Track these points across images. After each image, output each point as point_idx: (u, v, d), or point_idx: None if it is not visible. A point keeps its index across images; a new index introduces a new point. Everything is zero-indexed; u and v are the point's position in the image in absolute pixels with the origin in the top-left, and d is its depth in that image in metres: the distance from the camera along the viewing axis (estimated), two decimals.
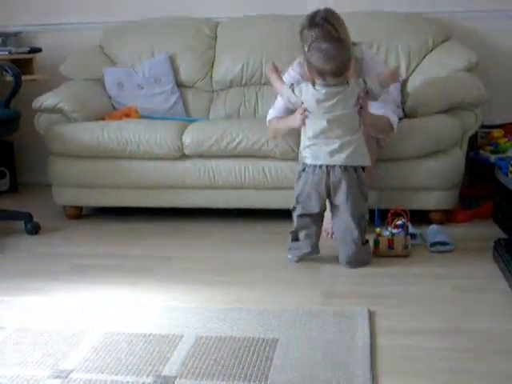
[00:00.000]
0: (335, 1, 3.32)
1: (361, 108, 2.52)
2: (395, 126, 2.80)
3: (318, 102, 2.48)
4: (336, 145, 2.49)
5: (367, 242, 2.60)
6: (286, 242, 2.66)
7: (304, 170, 2.57)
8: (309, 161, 2.55)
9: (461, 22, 3.61)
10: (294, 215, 2.61)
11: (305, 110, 2.53)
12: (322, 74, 2.46)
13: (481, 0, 3.60)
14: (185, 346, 1.90)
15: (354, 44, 2.82)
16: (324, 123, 2.49)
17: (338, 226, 2.59)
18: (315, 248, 2.60)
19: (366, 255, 2.58)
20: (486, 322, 2.02)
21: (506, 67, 3.63)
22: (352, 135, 2.51)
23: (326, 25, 2.68)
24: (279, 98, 2.80)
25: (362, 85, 2.51)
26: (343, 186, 2.49)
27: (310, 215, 2.57)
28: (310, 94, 2.51)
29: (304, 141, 2.60)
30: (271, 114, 2.92)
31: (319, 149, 2.52)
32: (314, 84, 2.51)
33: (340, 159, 2.49)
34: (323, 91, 2.47)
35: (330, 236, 2.84)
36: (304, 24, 2.74)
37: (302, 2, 3.66)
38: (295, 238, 2.63)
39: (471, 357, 1.80)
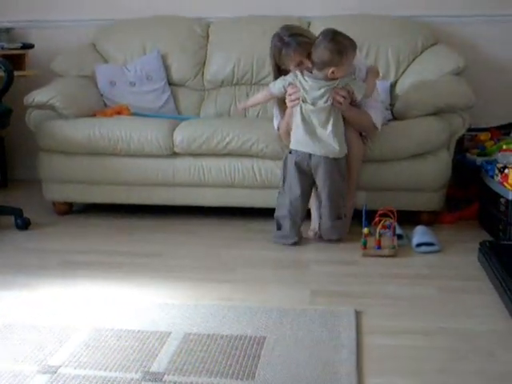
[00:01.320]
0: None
1: (332, 104, 2.68)
2: (379, 125, 2.85)
3: (305, 90, 2.69)
4: (316, 134, 2.69)
5: (345, 216, 2.80)
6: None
7: (290, 152, 2.78)
8: (292, 145, 2.76)
9: (449, 27, 3.65)
10: (279, 198, 2.79)
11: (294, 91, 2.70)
12: (312, 64, 2.68)
13: (469, 5, 3.65)
14: (173, 342, 1.90)
15: None
16: (308, 112, 2.69)
17: (318, 203, 2.84)
18: (300, 237, 2.82)
19: (341, 230, 2.81)
20: (470, 322, 2.04)
21: (493, 71, 3.66)
22: (332, 127, 2.68)
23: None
24: (275, 109, 2.94)
25: (350, 87, 2.68)
26: (321, 170, 2.72)
27: (294, 199, 2.75)
28: (299, 81, 2.70)
29: (293, 126, 2.77)
30: (275, 122, 2.97)
31: (301, 135, 2.71)
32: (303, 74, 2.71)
33: (316, 149, 2.70)
34: (309, 81, 2.69)
35: (316, 235, 2.87)
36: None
37: (292, 3, 3.69)
38: (279, 227, 2.79)
39: (456, 356, 1.82)
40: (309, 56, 2.69)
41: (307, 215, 2.88)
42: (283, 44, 2.71)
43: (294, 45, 2.70)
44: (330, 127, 2.68)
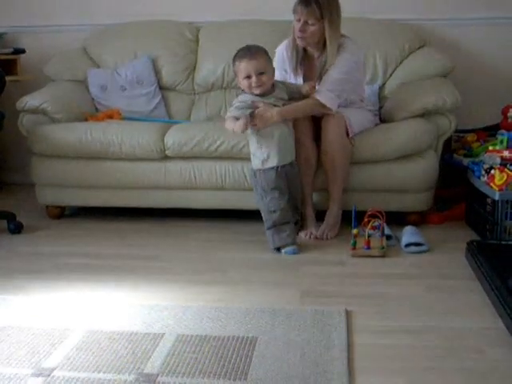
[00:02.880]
0: None
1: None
2: (329, 104, 2.84)
3: None
4: None
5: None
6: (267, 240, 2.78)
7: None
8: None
9: (436, 29, 3.68)
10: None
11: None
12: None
13: (455, 8, 3.68)
14: (166, 344, 1.91)
15: (343, 36, 2.91)
16: None
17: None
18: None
19: None
20: (458, 321, 2.06)
21: (479, 73, 3.69)
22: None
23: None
24: None
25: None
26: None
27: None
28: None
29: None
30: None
31: None
32: None
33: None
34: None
35: (309, 237, 2.91)
36: None
37: (280, 6, 3.71)
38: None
39: (444, 354, 1.84)
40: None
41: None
42: None
43: None
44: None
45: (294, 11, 2.85)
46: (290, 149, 2.81)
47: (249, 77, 2.72)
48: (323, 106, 2.84)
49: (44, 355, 1.85)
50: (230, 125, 2.75)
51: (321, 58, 2.90)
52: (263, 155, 2.75)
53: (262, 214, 2.81)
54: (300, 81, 2.99)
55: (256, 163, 2.79)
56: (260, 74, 2.71)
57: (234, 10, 3.80)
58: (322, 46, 2.89)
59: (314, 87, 2.84)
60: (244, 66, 2.72)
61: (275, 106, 2.76)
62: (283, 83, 2.88)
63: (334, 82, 2.85)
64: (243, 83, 2.75)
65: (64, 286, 2.42)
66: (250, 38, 3.23)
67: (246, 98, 2.78)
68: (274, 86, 2.80)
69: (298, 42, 2.89)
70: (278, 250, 2.76)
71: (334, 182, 2.91)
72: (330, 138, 2.85)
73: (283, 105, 2.79)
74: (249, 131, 2.76)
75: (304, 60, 2.99)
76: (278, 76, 2.91)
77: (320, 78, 2.88)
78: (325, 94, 2.84)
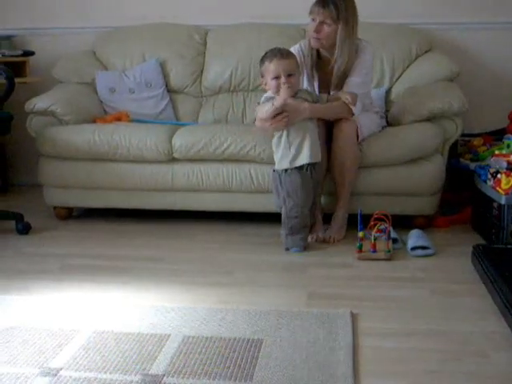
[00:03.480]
0: None
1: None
2: (354, 110, 2.86)
3: None
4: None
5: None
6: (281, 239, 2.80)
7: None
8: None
9: (443, 33, 3.69)
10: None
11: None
12: None
13: (462, 12, 3.68)
14: (172, 345, 1.91)
15: (359, 40, 2.93)
16: None
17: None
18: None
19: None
20: (463, 325, 2.05)
21: (485, 78, 3.70)
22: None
23: None
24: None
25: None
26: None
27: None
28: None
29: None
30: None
31: None
32: None
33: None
34: None
35: (315, 239, 2.91)
36: None
37: (288, 10, 3.73)
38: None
39: (449, 358, 1.83)
40: None
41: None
42: None
43: None
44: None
45: (311, 12, 2.84)
46: (319, 148, 2.80)
47: (278, 77, 2.70)
48: (350, 110, 2.85)
49: (51, 355, 1.86)
50: (261, 114, 2.74)
51: (337, 62, 2.89)
52: (292, 153, 2.73)
53: (282, 216, 2.80)
54: (316, 86, 2.99)
55: (283, 164, 2.76)
56: (289, 75, 2.70)
57: (242, 13, 3.81)
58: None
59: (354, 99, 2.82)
60: (274, 66, 2.70)
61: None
62: (306, 90, 2.88)
63: (358, 86, 2.88)
64: (271, 84, 2.73)
65: (71, 287, 2.43)
66: (258, 41, 3.26)
67: (271, 95, 2.78)
68: (298, 92, 2.79)
69: (312, 42, 2.89)
70: (287, 249, 2.79)
71: (342, 186, 2.92)
72: (341, 144, 2.86)
73: None
74: (275, 133, 2.76)
75: (318, 64, 2.99)
76: None
77: (339, 83, 2.89)
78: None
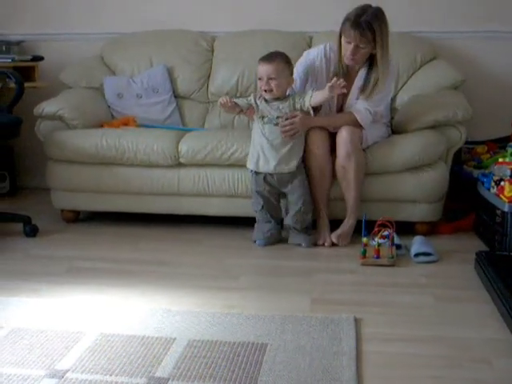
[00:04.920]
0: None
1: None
2: (363, 123, 2.92)
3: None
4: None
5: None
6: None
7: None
8: None
9: (447, 42, 3.69)
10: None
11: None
12: None
13: (466, 21, 3.69)
14: (177, 348, 1.92)
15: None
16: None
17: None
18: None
19: None
20: (466, 331, 2.06)
21: (490, 86, 3.70)
22: None
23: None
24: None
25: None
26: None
27: None
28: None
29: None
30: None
31: None
32: None
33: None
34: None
35: (322, 244, 2.93)
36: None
37: (294, 18, 3.74)
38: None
39: (451, 364, 1.84)
40: None
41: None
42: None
43: None
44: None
45: (346, 34, 2.83)
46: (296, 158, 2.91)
47: (261, 79, 2.82)
48: (358, 123, 2.90)
49: (57, 357, 1.87)
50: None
51: (369, 75, 2.92)
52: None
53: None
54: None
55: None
56: (270, 78, 2.79)
57: (249, 20, 3.83)
58: (366, 61, 2.93)
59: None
60: (259, 69, 2.83)
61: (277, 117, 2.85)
62: (299, 94, 2.88)
63: (375, 101, 2.93)
64: (258, 84, 2.87)
65: (77, 289, 2.45)
66: (264, 48, 3.26)
67: (251, 100, 2.89)
68: (289, 96, 2.86)
69: (347, 61, 2.90)
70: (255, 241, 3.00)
71: (349, 194, 2.93)
72: (345, 152, 2.87)
73: (277, 118, 2.85)
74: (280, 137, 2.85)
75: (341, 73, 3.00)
76: (297, 80, 2.95)
77: (363, 93, 2.92)
78: (364, 114, 2.92)
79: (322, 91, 2.80)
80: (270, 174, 2.90)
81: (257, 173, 2.93)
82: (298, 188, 2.91)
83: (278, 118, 2.84)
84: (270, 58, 2.81)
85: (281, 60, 2.81)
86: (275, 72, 2.79)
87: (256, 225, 3.01)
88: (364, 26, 2.77)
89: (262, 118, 2.87)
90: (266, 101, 2.86)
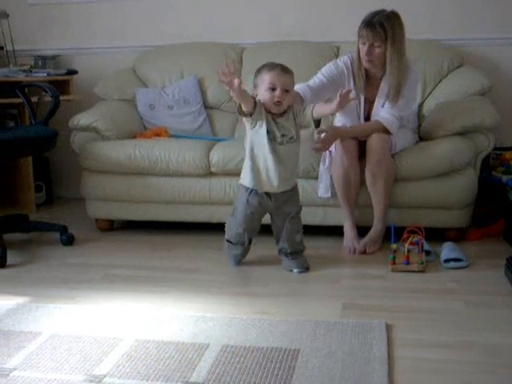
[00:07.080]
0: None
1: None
2: (392, 130, 2.93)
3: None
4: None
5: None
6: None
7: None
8: None
9: (474, 49, 3.69)
10: None
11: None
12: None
13: (493, 28, 3.68)
14: (211, 354, 1.94)
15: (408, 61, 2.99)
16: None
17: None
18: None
19: None
20: (497, 337, 2.04)
21: None
22: None
23: None
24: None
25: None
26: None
27: None
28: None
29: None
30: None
31: None
32: None
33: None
34: None
35: (352, 252, 2.94)
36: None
37: (323, 28, 3.77)
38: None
39: (483, 370, 1.82)
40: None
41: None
42: None
43: None
44: None
45: (360, 35, 2.89)
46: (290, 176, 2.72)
47: (273, 89, 2.54)
48: (386, 129, 2.92)
49: (95, 362, 1.90)
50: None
51: (387, 80, 2.95)
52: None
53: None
54: (361, 99, 3.04)
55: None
56: (286, 90, 2.55)
57: (277, 32, 3.87)
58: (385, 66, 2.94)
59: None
60: (271, 77, 2.54)
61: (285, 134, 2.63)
62: (301, 114, 2.69)
63: (399, 106, 2.94)
64: (264, 94, 2.56)
65: (113, 296, 2.49)
66: (292, 58, 3.30)
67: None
68: (288, 111, 2.62)
69: (365, 64, 2.94)
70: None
71: (378, 202, 2.94)
72: (375, 159, 2.88)
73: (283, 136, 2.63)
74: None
75: (365, 81, 3.03)
76: (316, 79, 2.97)
77: (388, 98, 2.94)
78: (391, 120, 2.93)
79: (330, 104, 2.77)
80: (267, 194, 2.67)
81: (255, 192, 2.67)
82: (295, 207, 2.74)
83: (283, 136, 2.60)
84: (284, 68, 2.57)
85: (292, 74, 2.60)
86: (291, 84, 2.59)
87: (227, 249, 2.84)
88: (376, 25, 2.82)
89: (270, 133, 2.59)
90: (272, 119, 2.59)
